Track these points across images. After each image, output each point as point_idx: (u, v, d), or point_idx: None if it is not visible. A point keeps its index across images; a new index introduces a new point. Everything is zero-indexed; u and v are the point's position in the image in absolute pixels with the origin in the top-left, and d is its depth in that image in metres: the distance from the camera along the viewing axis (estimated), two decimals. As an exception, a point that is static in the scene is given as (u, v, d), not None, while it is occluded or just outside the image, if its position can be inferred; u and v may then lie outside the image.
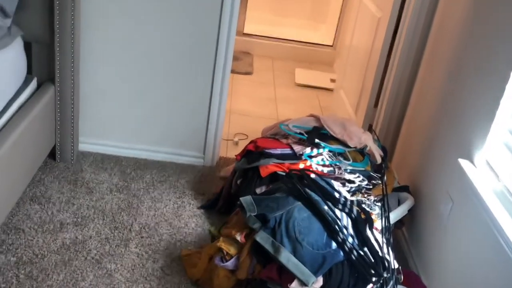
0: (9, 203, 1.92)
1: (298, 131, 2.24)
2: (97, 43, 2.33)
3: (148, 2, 2.25)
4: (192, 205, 2.28)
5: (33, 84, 2.23)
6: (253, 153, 2.17)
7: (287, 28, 4.70)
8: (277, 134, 2.32)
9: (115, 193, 2.27)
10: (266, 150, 2.13)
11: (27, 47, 2.20)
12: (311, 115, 2.39)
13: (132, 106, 2.47)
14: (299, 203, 1.83)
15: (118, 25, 2.30)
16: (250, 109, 3.35)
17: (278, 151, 2.15)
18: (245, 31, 4.40)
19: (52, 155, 2.40)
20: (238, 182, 2.16)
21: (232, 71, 2.46)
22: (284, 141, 2.23)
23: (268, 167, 2.07)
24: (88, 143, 2.53)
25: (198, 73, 2.40)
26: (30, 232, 1.98)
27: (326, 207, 1.82)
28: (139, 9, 2.27)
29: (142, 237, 2.05)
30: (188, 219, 2.18)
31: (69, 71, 2.23)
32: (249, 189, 2.05)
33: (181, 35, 2.32)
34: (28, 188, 2.20)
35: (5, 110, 1.97)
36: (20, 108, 2.06)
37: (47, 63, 2.24)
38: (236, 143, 2.86)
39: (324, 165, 2.11)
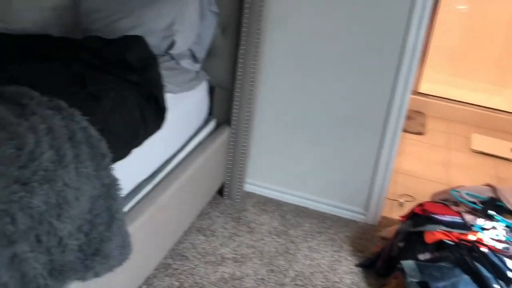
0: (178, 231, 2.06)
1: (471, 199, 2.09)
2: (273, 92, 2.44)
3: (325, 58, 2.30)
4: (349, 261, 2.21)
5: (212, 125, 2.39)
6: (420, 217, 2.06)
7: (465, 90, 4.47)
8: (447, 200, 2.18)
9: (274, 236, 2.31)
10: (434, 216, 2.01)
11: (211, 91, 2.38)
12: (487, 185, 2.22)
13: (299, 154, 2.52)
14: (466, 276, 1.68)
15: (294, 79, 2.39)
16: (419, 171, 3.21)
17: (447, 218, 2.02)
18: (420, 90, 4.28)
19: (220, 191, 2.53)
20: (400, 244, 2.05)
21: (403, 130, 2.39)
22: (455, 208, 2.09)
23: (435, 233, 1.95)
24: (254, 184, 2.63)
25: (368, 129, 2.37)
26: (193, 261, 2.09)
27: (497, 287, 1.65)
28: (314, 65, 2.33)
29: (296, 284, 2.04)
30: (344, 275, 2.13)
31: (244, 115, 2.36)
32: (411, 253, 1.94)
33: (354, 90, 2.32)
34: (196, 219, 2.34)
35: (185, 146, 2.13)
36: (198, 145, 2.22)
37: (226, 107, 2.40)
38: (401, 204, 2.74)
39: (498, 240, 1.92)
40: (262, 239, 2.28)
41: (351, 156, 2.45)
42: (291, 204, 2.58)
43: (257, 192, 2.63)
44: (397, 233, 2.13)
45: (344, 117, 2.38)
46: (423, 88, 4.29)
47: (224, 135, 2.37)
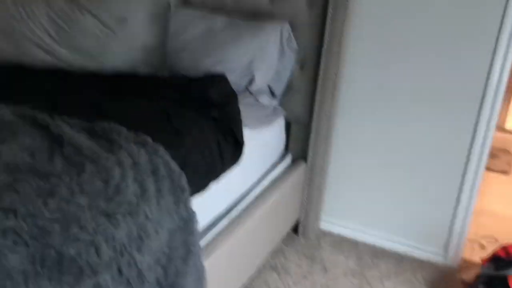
0: (252, 267, 2.07)
1: (562, 245, 1.96)
2: (351, 129, 2.43)
3: (404, 94, 2.28)
4: (427, 305, 2.13)
5: (288, 160, 2.41)
6: (503, 260, 1.96)
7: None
8: (534, 244, 2.06)
9: (349, 277, 2.26)
10: (520, 261, 1.91)
11: (287, 126, 2.40)
12: None
13: (377, 192, 2.47)
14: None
15: (372, 115, 2.37)
16: (502, 211, 3.05)
17: (535, 264, 1.90)
18: (506, 127, 4.09)
19: (295, 229, 2.53)
20: (482, 290, 1.95)
21: (486, 168, 2.29)
22: (543, 253, 1.97)
23: (521, 280, 1.84)
24: (329, 222, 2.60)
25: (448, 167, 2.30)
26: (265, 298, 2.09)
27: None
28: (393, 101, 2.30)
29: (369, 328, 1.99)
30: (421, 320, 2.05)
31: (321, 151, 2.36)
32: (494, 300, 1.84)
33: (435, 126, 2.27)
34: (270, 256, 2.34)
35: (260, 181, 2.16)
36: (274, 180, 2.24)
37: (302, 142, 2.41)
38: (483, 246, 2.61)
39: None
40: (337, 279, 2.24)
41: (430, 195, 2.37)
42: (367, 244, 2.52)
43: (333, 231, 2.60)
44: (478, 276, 2.03)
45: (424, 154, 2.33)
46: (509, 125, 4.10)
47: (300, 171, 2.38)
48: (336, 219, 2.59)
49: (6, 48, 2.12)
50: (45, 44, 2.09)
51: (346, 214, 2.57)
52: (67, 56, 2.08)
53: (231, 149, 1.82)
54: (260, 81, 2.15)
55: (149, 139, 1.48)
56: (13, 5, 2.13)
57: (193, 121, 1.73)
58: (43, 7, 2.12)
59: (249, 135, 1.93)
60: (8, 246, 1.04)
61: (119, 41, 2.08)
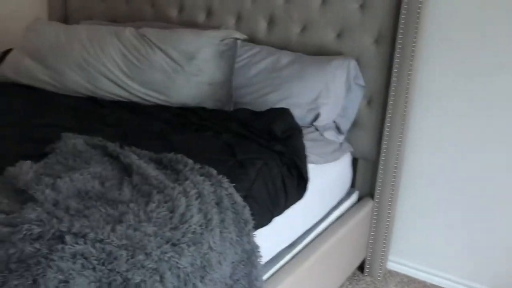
0: (315, 305, 2.02)
1: None
2: (421, 165, 2.35)
3: (481, 129, 2.19)
4: None
5: (354, 197, 2.36)
6: None
7: None
8: None
9: (417, 321, 2.16)
10: None
11: (354, 162, 2.36)
12: None
13: (447, 232, 2.36)
14: None
15: (444, 151, 2.29)
16: None
17: None
18: None
19: (361, 267, 2.45)
20: None
21: None
22: None
23: None
24: (396, 262, 2.51)
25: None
26: None
27: None
28: (468, 137, 2.22)
29: None
30: None
31: (389, 189, 2.29)
32: None
33: (500, 169, 2.16)
34: (334, 295, 2.28)
35: (326, 217, 2.12)
36: (339, 217, 2.19)
37: (370, 179, 2.36)
38: None
39: None
40: (404, 322, 2.15)
41: (506, 239, 2.24)
42: (437, 286, 2.40)
43: (400, 271, 2.49)
44: None
45: (502, 192, 2.21)
46: None
47: (367, 208, 2.32)
48: (405, 259, 2.49)
49: (81, 81, 2.22)
50: (117, 78, 2.18)
51: (415, 254, 2.46)
52: (137, 89, 2.16)
53: (295, 184, 1.81)
54: (326, 117, 2.14)
55: (214, 171, 1.50)
56: (88, 41, 2.25)
57: (257, 154, 1.74)
58: (116, 44, 2.22)
59: (314, 170, 1.91)
60: (77, 269, 1.07)
61: (187, 76, 2.14)
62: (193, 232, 1.27)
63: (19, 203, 1.24)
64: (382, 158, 2.26)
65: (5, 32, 2.90)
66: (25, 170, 1.38)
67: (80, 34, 2.29)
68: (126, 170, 1.47)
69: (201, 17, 2.55)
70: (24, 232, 1.11)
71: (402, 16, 2.08)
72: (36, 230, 1.12)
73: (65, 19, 2.88)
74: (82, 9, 2.85)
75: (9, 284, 1.02)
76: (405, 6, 2.07)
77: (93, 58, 2.21)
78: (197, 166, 1.51)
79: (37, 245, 1.08)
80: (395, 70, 2.13)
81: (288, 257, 1.83)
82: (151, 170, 1.45)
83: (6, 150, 1.62)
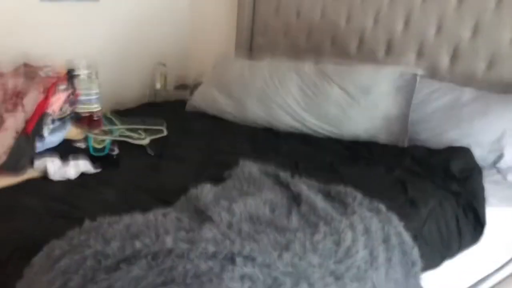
0: None
1: None
2: None
3: None
4: None
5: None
6: None
7: None
8: None
9: None
10: None
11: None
12: None
13: None
14: None
15: None
16: None
17: None
18: None
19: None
20: None
21: None
22: None
23: None
24: None
25: None
26: None
27: None
28: None
29: None
30: None
31: None
32: None
33: None
34: None
35: (503, 266, 1.95)
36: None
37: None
38: None
39: None
40: None
41: None
42: None
43: None
44: None
45: None
46: None
47: None
48: None
49: (259, 113, 2.35)
50: (293, 111, 2.26)
51: None
52: (311, 122, 2.22)
53: (471, 227, 1.70)
54: (510, 159, 1.98)
55: (383, 207, 1.48)
56: (269, 76, 2.38)
57: (430, 193, 1.67)
58: (295, 78, 2.31)
59: (492, 214, 1.77)
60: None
61: (362, 110, 2.14)
62: (358, 268, 1.26)
63: (198, 222, 1.34)
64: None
65: (198, 64, 3.22)
66: (206, 192, 1.49)
67: (262, 70, 2.43)
68: (295, 199, 1.51)
69: (380, 52, 2.52)
70: (200, 250, 1.18)
71: None
72: (211, 249, 1.19)
73: (250, 55, 3.07)
74: (266, 45, 3.00)
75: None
76: None
77: (273, 92, 2.33)
78: (366, 200, 1.50)
79: (210, 263, 1.15)
80: None
81: (458, 305, 1.72)
82: (319, 201, 1.47)
83: (190, 172, 1.78)
